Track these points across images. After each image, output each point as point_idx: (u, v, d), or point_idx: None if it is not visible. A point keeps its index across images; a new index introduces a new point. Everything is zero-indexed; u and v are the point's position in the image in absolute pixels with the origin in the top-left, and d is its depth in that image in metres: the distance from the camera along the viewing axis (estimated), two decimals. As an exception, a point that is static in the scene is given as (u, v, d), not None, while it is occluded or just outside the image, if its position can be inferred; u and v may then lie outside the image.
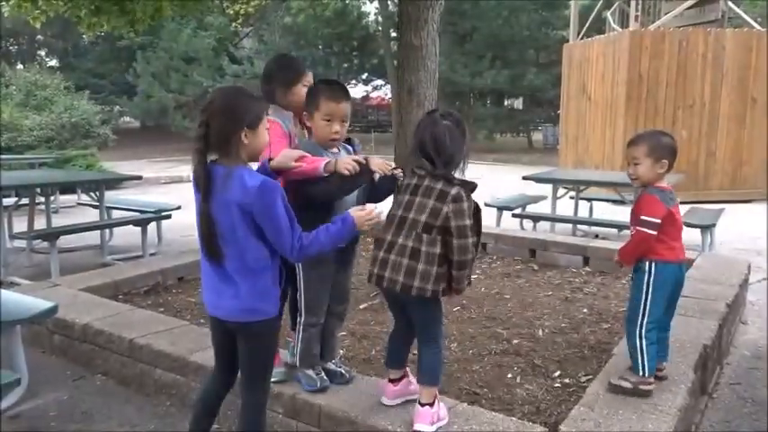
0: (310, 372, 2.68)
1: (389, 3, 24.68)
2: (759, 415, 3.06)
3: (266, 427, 2.24)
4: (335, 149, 2.61)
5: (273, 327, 2.21)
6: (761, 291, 5.12)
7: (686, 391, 2.62)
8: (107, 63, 27.91)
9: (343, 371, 2.78)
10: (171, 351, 3.11)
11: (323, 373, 2.69)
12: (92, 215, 7.36)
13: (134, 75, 25.04)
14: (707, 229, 6.19)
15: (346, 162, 2.39)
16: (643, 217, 2.55)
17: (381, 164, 2.48)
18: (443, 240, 2.27)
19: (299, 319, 2.66)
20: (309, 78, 2.82)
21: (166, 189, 12.37)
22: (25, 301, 3.25)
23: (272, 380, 2.54)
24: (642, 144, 2.60)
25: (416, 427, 2.33)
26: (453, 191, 2.24)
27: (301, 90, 2.74)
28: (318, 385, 2.65)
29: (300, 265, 2.57)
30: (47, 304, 3.15)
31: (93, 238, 6.46)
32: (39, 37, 30.55)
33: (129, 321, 3.52)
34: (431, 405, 2.35)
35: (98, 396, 3.17)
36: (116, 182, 10.47)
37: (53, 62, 31.10)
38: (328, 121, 2.51)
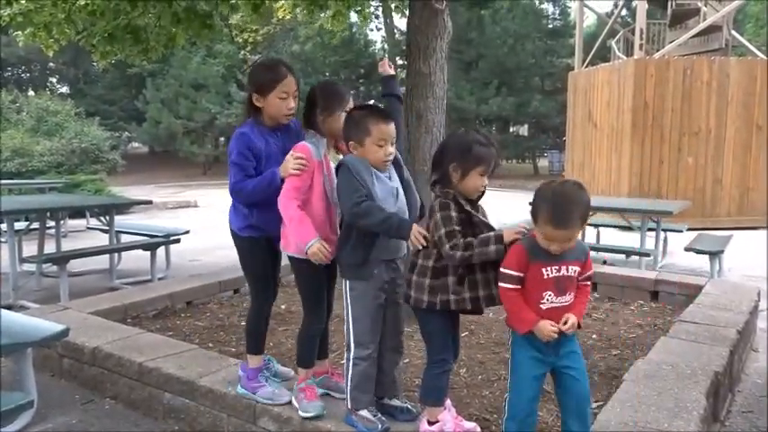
0: (365, 413, 2.44)
1: (396, 31, 25.07)
2: (773, 444, 3.02)
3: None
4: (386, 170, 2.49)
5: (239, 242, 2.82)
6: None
7: (699, 419, 2.59)
8: (117, 90, 28.38)
9: (409, 406, 2.58)
10: (180, 375, 3.11)
11: (379, 414, 2.48)
12: (100, 239, 7.40)
13: (143, 101, 25.40)
14: (715, 255, 6.18)
15: (417, 234, 2.29)
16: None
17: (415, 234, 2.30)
18: (440, 254, 2.26)
19: (347, 354, 2.48)
20: (351, 105, 2.65)
21: (174, 214, 12.45)
22: (36, 323, 3.27)
23: (308, 414, 2.54)
24: (577, 224, 2.11)
25: None
26: (435, 203, 2.29)
27: (342, 117, 2.57)
28: (379, 428, 2.40)
29: (349, 294, 2.45)
30: (58, 327, 3.17)
31: (101, 262, 6.49)
32: (50, 64, 31.08)
33: (138, 345, 3.53)
34: (431, 423, 2.37)
35: (107, 420, 3.16)
36: (126, 206, 10.55)
37: (64, 89, 31.61)
38: (381, 145, 2.39)
